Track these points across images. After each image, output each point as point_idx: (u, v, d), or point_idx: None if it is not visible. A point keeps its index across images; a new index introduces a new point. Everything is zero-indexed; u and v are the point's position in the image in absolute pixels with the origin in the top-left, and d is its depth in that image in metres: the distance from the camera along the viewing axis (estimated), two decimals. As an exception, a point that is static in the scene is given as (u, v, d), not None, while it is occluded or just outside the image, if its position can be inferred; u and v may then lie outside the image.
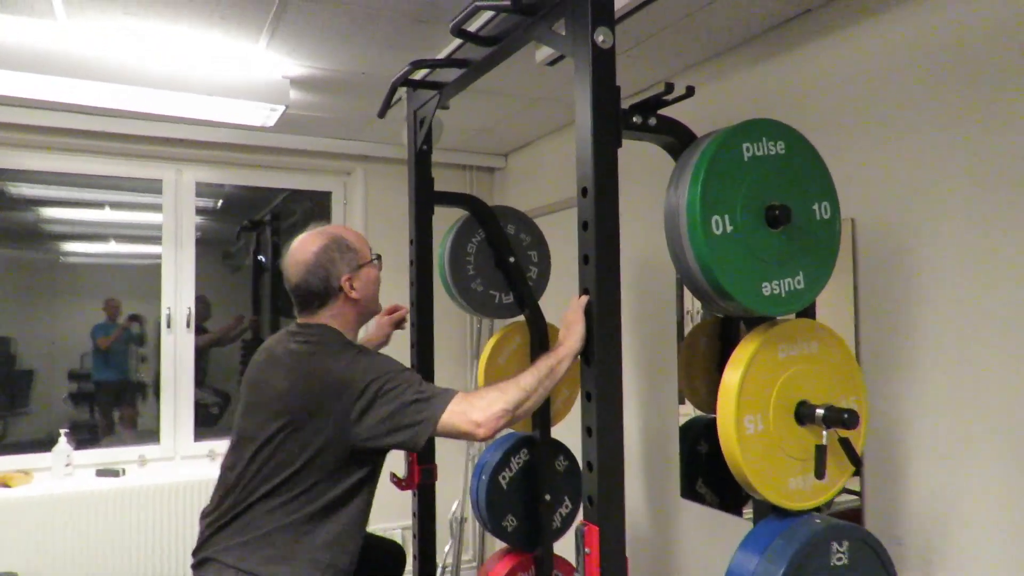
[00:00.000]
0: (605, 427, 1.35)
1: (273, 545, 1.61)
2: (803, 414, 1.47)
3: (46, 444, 3.19)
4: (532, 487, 2.50)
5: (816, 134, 2.04)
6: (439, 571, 3.61)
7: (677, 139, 1.52)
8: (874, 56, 1.93)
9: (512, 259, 2.49)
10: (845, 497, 2.00)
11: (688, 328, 2.66)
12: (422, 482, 2.27)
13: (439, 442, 2.46)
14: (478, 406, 1.54)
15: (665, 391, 2.71)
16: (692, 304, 2.64)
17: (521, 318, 2.56)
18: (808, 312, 1.60)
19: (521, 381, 1.55)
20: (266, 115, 2.63)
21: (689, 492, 2.61)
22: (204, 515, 1.74)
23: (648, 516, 2.80)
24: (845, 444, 1.47)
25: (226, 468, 1.74)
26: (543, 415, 2.49)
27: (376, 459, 1.73)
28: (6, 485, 3.00)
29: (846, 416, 1.41)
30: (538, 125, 3.36)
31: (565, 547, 2.51)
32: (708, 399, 2.61)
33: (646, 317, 2.81)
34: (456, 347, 3.92)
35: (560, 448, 2.56)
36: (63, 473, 3.08)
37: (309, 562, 1.62)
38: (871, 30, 1.94)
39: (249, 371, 1.85)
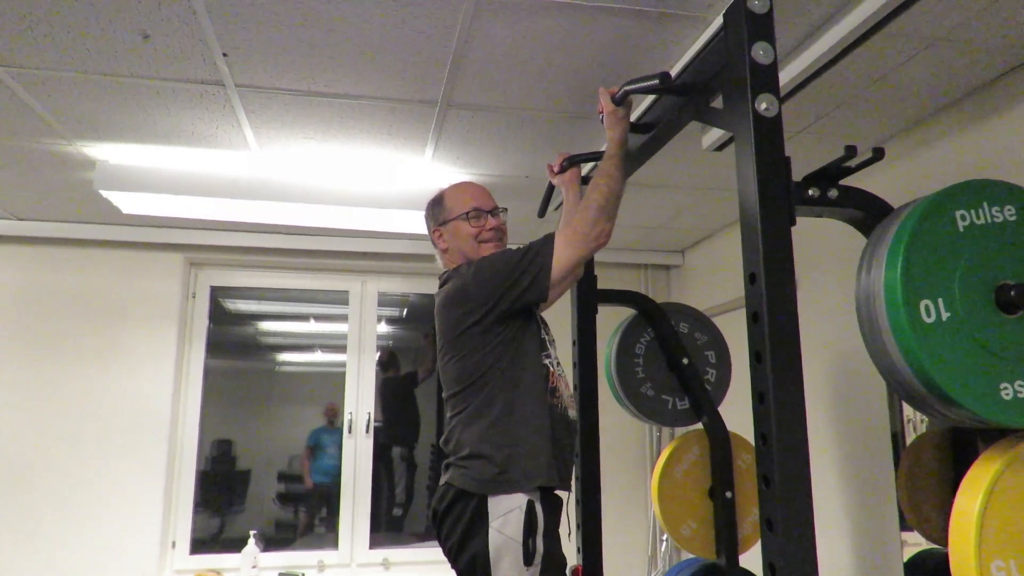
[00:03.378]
0: (792, 562, 1.08)
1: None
2: (1079, 562, 1.09)
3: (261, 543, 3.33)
4: (719, 626, 2.15)
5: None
6: None
7: (867, 212, 1.28)
8: None
9: (686, 360, 2.26)
10: None
11: (909, 439, 2.23)
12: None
13: (611, 565, 2.21)
14: (569, 229, 1.66)
15: (884, 518, 2.26)
16: (914, 411, 2.22)
17: (699, 426, 2.29)
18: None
19: (589, 198, 1.65)
20: (434, 225, 2.70)
21: (924, 649, 2.10)
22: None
23: (871, 674, 2.28)
24: None
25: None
26: (728, 539, 2.15)
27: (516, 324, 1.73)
28: (201, 583, 3.16)
29: None
30: (714, 218, 3.17)
31: None
32: (941, 527, 2.13)
33: (852, 427, 2.40)
34: (633, 456, 3.63)
35: (751, 580, 2.19)
36: (249, 574, 3.18)
37: None
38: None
39: None
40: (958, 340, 1.10)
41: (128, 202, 2.50)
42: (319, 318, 3.99)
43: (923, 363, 1.08)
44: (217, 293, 3.56)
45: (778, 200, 1.19)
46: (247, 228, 3.07)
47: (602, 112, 1.67)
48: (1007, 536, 1.09)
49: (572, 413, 1.78)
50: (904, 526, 2.19)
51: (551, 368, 1.75)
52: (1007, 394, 1.10)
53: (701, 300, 3.50)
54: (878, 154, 1.22)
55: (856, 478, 2.38)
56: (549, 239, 1.67)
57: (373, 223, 2.78)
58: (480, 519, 1.60)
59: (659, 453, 3.56)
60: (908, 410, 2.22)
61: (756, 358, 1.17)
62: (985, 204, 1.17)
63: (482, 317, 1.67)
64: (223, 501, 3.66)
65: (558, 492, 1.73)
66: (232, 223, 2.90)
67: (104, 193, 2.40)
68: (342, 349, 3.65)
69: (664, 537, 3.40)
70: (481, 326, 1.68)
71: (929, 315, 1.10)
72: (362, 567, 3.40)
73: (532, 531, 1.59)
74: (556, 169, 2.00)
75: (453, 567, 1.72)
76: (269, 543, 3.34)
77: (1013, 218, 1.17)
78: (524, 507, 1.60)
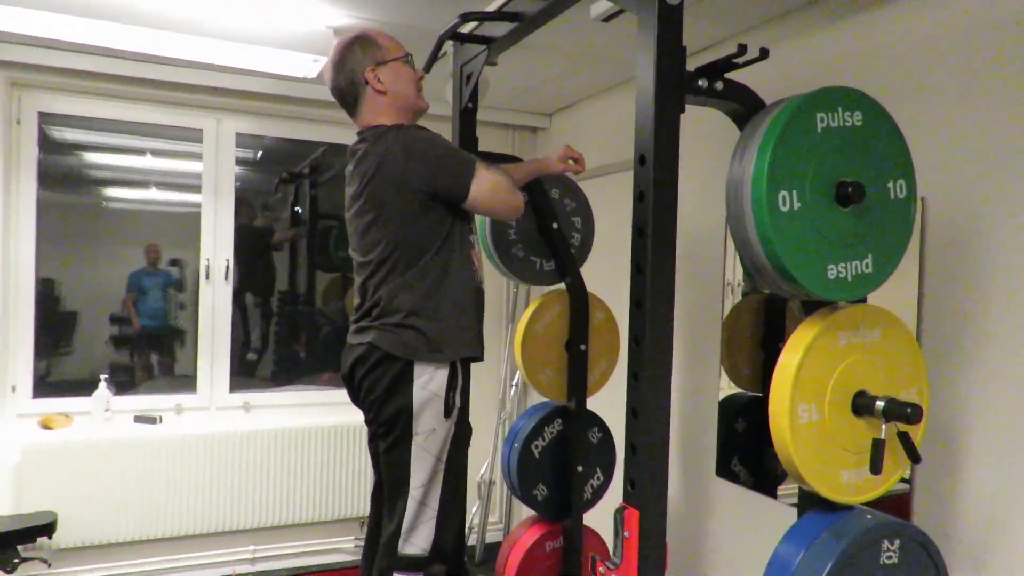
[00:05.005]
0: (652, 410, 1.29)
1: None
2: (861, 405, 1.39)
3: (87, 386, 3.25)
4: (564, 457, 2.46)
5: (888, 101, 1.91)
6: (465, 530, 3.63)
7: (745, 106, 1.42)
8: (961, 19, 1.78)
9: (555, 225, 2.41)
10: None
11: (728, 303, 2.57)
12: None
13: (472, 403, 2.43)
14: (502, 189, 1.80)
15: (706, 367, 2.64)
16: (734, 277, 2.55)
17: (561, 286, 2.49)
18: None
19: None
20: (308, 66, 2.56)
21: (724, 471, 2.55)
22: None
23: (682, 494, 2.75)
24: (905, 439, 1.39)
25: None
26: (579, 386, 2.43)
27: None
28: (47, 427, 3.06)
29: (909, 410, 1.33)
30: (586, 85, 3.24)
31: (593, 519, 2.48)
32: (749, 377, 2.54)
33: (690, 292, 2.71)
34: (492, 311, 3.87)
35: (595, 420, 2.51)
36: (102, 418, 3.13)
37: None
38: (958, -7, 1.79)
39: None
40: (803, 227, 1.29)
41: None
42: (158, 154, 3.69)
43: (774, 245, 1.26)
44: (45, 120, 3.18)
45: (672, 88, 1.29)
46: (89, 50, 2.71)
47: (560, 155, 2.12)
48: (812, 386, 1.36)
49: (483, 284, 1.93)
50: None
51: (475, 244, 1.85)
52: (832, 274, 1.33)
53: (566, 165, 3.64)
54: (764, 54, 1.34)
55: (688, 332, 2.73)
56: (486, 166, 1.79)
57: (238, 60, 2.58)
58: (405, 378, 1.74)
59: (513, 310, 3.82)
60: (729, 277, 2.55)
61: (639, 233, 1.31)
62: (840, 108, 1.33)
63: (417, 186, 1.71)
64: (48, 343, 3.48)
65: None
66: (73, 43, 2.56)
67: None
68: (183, 188, 3.46)
69: (513, 383, 3.72)
70: (414, 195, 1.72)
71: (785, 204, 1.27)
72: (221, 410, 3.44)
73: (452, 387, 1.75)
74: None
75: (373, 420, 1.85)
76: (112, 385, 3.27)
77: (860, 123, 1.35)
78: (447, 368, 1.76)
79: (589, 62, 2.87)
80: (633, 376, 1.32)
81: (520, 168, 2.16)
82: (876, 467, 1.37)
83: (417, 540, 1.77)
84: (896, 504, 1.87)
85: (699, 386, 2.67)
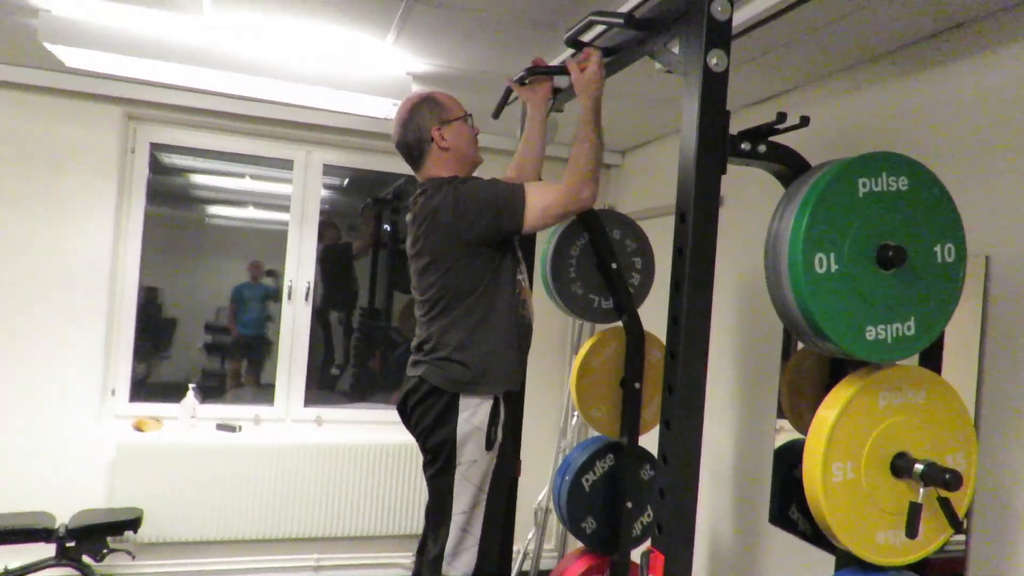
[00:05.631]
0: (682, 457, 1.34)
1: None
2: (900, 467, 1.39)
3: (179, 389, 3.52)
4: (614, 493, 2.49)
5: (951, 160, 1.89)
6: (520, 555, 3.68)
7: (789, 168, 1.46)
8: (1018, 79, 1.76)
9: (615, 265, 2.47)
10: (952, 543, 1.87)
11: (796, 347, 2.55)
12: (506, 477, 2.32)
13: (530, 433, 2.51)
14: (562, 186, 1.85)
15: (765, 410, 2.62)
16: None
17: (619, 324, 2.54)
18: (932, 356, 1.51)
19: (577, 162, 1.86)
20: (389, 109, 2.73)
21: (780, 518, 2.51)
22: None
23: (733, 538, 2.73)
24: (944, 504, 1.38)
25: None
26: (631, 423, 2.47)
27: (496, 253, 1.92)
28: (140, 429, 3.34)
29: (948, 476, 1.32)
30: (657, 126, 3.30)
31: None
32: (809, 422, 2.50)
33: (752, 335, 2.71)
34: (555, 343, 3.95)
35: (647, 457, 2.53)
36: (188, 424, 3.38)
37: None
38: (1017, 51, 1.76)
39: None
40: (841, 289, 1.32)
41: (73, 56, 2.42)
42: (256, 177, 3.97)
43: (808, 306, 1.30)
44: (156, 150, 3.50)
45: (714, 150, 1.35)
46: (191, 88, 2.99)
47: (584, 61, 1.83)
48: (848, 444, 1.37)
49: (531, 320, 2.04)
50: (780, 415, 2.57)
51: (523, 284, 1.98)
52: (871, 335, 1.34)
53: (636, 200, 3.70)
54: (804, 121, 1.38)
55: (746, 376, 2.72)
56: (536, 185, 1.91)
57: (326, 102, 2.78)
58: (451, 411, 1.87)
59: (578, 343, 3.88)
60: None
61: (675, 287, 1.37)
62: (884, 173, 1.35)
63: (465, 236, 1.85)
64: (150, 348, 3.78)
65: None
66: (182, 86, 2.84)
67: (48, 46, 2.31)
68: (277, 208, 3.70)
69: (575, 416, 3.77)
70: (465, 243, 1.85)
71: (822, 266, 1.31)
72: (296, 423, 3.65)
73: (495, 422, 1.86)
74: (514, 78, 2.08)
75: (422, 447, 2.00)
76: (199, 392, 3.51)
77: (905, 187, 1.37)
78: (491, 404, 1.87)
79: (659, 106, 2.93)
80: (665, 424, 1.37)
81: (587, 128, 1.93)
82: (912, 531, 1.36)
83: (459, 564, 1.87)
84: (950, 565, 1.82)
85: (758, 430, 2.66)
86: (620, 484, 2.48)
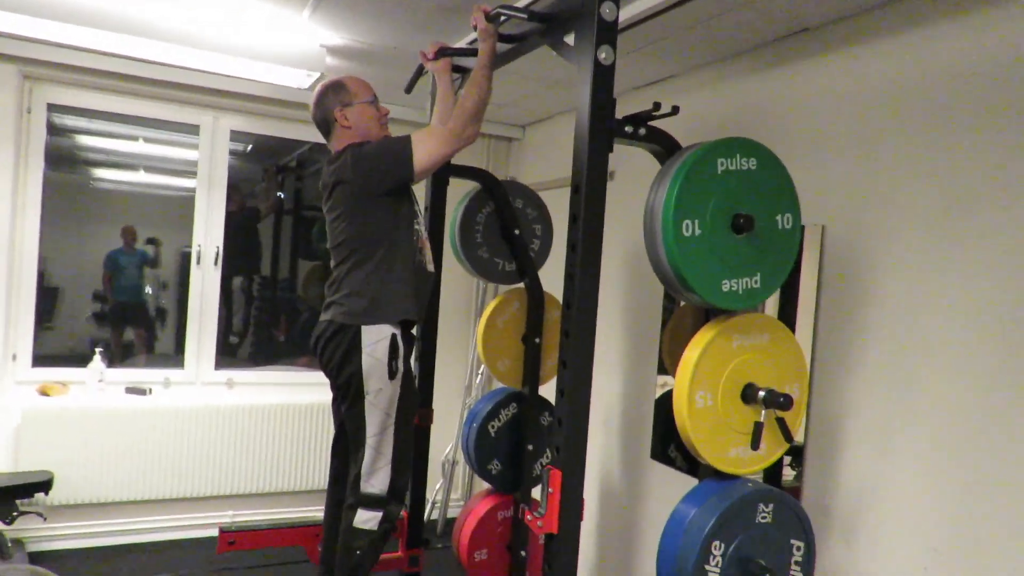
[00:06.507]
0: (575, 391, 1.60)
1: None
2: (748, 395, 1.71)
3: (74, 359, 3.52)
4: (517, 437, 2.78)
5: (798, 145, 2.25)
6: (429, 506, 3.93)
7: (663, 148, 1.74)
8: (858, 80, 2.12)
9: (517, 231, 2.71)
10: (791, 473, 2.27)
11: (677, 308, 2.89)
12: (418, 424, 2.55)
13: (438, 390, 2.74)
14: (444, 128, 2.08)
15: (648, 366, 2.97)
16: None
17: (521, 285, 2.80)
18: (788, 308, 1.83)
19: (463, 104, 2.08)
20: (302, 79, 2.84)
21: (660, 454, 2.88)
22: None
23: (621, 472, 3.08)
24: (780, 423, 1.72)
25: None
26: (532, 375, 2.75)
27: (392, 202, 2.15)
28: (45, 394, 3.32)
29: (782, 399, 1.66)
30: (556, 103, 3.55)
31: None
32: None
33: (636, 301, 3.04)
34: (461, 305, 4.18)
35: (546, 405, 2.82)
36: (96, 388, 3.39)
37: None
38: (860, 57, 2.12)
39: None
40: (703, 250, 1.61)
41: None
42: (150, 140, 3.88)
43: (678, 264, 1.58)
44: (53, 111, 3.42)
45: (602, 132, 1.60)
46: (93, 49, 2.95)
47: (475, 25, 1.97)
48: (708, 377, 1.68)
49: (430, 266, 2.28)
50: (660, 371, 2.92)
51: (421, 233, 2.21)
52: (726, 288, 1.65)
53: (536, 172, 3.96)
54: (674, 110, 1.66)
55: (632, 336, 3.06)
56: (422, 133, 2.11)
57: (240, 71, 2.84)
58: (355, 347, 2.07)
59: (482, 304, 4.13)
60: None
61: (571, 248, 1.62)
62: (738, 155, 1.65)
63: (364, 190, 2.09)
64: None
65: (412, 331, 2.23)
66: (86, 47, 2.81)
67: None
68: (174, 173, 3.71)
69: (479, 371, 4.03)
70: (368, 195, 2.09)
71: (688, 231, 1.59)
72: (207, 385, 3.72)
73: (395, 355, 2.09)
74: (430, 56, 2.27)
75: (333, 384, 2.22)
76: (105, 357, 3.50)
77: (754, 167, 1.67)
78: (389, 338, 2.09)
79: (557, 86, 3.18)
80: (563, 364, 1.63)
81: (476, 79, 2.09)
82: (755, 444, 1.70)
83: (375, 482, 2.12)
84: (792, 492, 2.21)
85: (642, 379, 3.00)
86: (522, 429, 2.77)
